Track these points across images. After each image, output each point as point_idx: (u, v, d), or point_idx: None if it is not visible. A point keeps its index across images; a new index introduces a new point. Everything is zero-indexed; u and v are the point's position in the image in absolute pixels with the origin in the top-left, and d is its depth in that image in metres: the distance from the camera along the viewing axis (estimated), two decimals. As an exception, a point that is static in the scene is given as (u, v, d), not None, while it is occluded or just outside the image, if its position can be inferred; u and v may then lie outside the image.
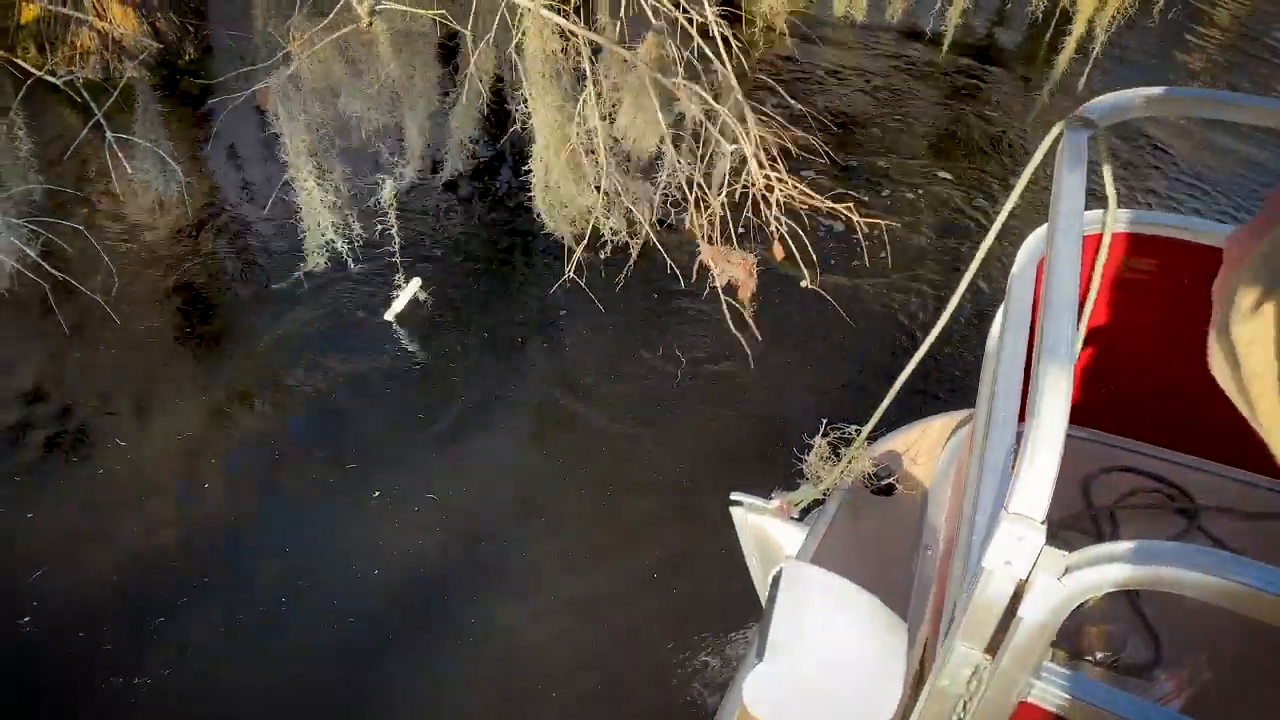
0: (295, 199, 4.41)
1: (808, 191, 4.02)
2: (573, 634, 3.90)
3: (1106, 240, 2.09)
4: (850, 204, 3.95)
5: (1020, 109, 7.75)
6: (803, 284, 4.30)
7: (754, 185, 4.01)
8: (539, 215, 4.55)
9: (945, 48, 7.76)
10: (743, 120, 4.00)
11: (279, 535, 4.13)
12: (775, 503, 3.15)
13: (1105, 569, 1.24)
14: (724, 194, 4.07)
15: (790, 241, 4.02)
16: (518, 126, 4.34)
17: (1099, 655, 2.21)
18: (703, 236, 4.16)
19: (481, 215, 5.91)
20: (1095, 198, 1.96)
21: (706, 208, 4.13)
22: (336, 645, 3.76)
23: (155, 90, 4.68)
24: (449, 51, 5.20)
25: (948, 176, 6.77)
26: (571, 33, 4.03)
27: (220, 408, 4.58)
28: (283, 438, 4.54)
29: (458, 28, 3.76)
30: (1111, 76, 7.49)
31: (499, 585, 4.03)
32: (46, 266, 3.73)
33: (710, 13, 3.83)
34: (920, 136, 7.23)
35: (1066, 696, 1.37)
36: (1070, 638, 2.22)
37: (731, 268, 4.18)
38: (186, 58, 6.13)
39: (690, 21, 3.86)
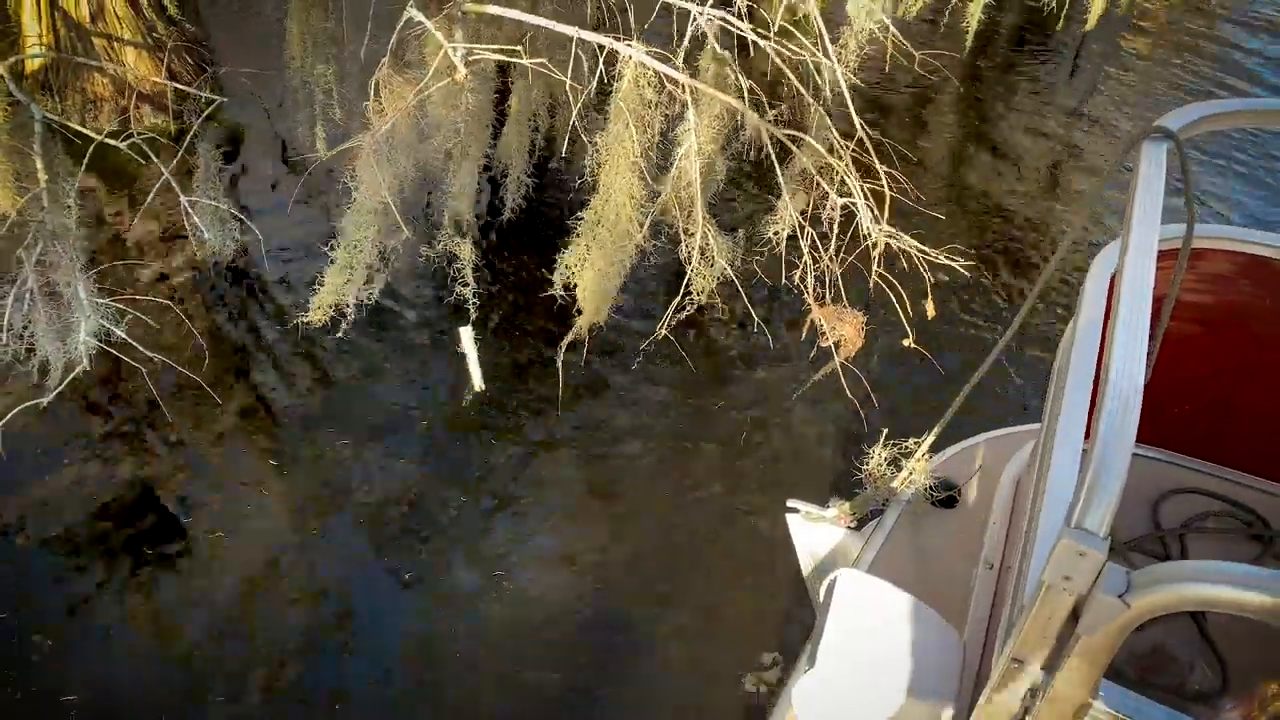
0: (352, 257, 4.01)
1: (921, 248, 3.83)
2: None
3: (1184, 255, 2.00)
4: (966, 259, 3.78)
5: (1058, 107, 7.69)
6: (905, 343, 4.12)
7: (866, 239, 3.82)
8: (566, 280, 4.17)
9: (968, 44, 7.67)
10: (853, 166, 3.77)
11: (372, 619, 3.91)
12: (832, 511, 3.12)
13: (1167, 589, 1.17)
14: (833, 248, 3.86)
15: (891, 295, 3.84)
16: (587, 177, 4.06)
17: (1164, 681, 2.16)
18: (811, 295, 3.95)
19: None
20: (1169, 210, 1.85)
21: (816, 262, 3.91)
22: None
23: (177, 139, 4.31)
24: (502, 96, 4.87)
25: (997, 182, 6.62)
26: (671, 79, 3.76)
27: (314, 488, 4.39)
28: (373, 514, 4.33)
29: (559, 76, 3.47)
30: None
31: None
32: (139, 346, 3.38)
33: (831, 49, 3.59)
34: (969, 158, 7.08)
35: (1124, 718, 1.32)
36: (1136, 663, 2.16)
37: (843, 326, 3.99)
38: (203, 100, 5.73)
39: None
